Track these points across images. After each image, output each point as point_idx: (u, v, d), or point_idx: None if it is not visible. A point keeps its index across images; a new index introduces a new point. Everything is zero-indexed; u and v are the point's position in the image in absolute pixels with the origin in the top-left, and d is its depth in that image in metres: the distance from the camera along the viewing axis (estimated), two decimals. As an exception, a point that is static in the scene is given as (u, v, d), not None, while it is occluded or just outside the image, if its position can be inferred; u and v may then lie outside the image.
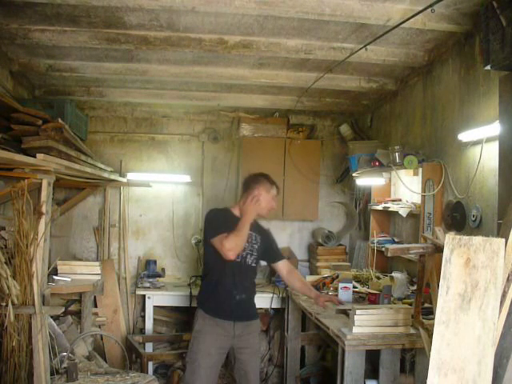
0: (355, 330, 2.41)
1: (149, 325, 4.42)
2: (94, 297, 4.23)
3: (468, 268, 1.34)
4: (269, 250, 3.09)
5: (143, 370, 3.86)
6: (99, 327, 4.21)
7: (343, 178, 4.97)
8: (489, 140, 2.55)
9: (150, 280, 4.51)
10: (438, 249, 2.01)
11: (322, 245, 4.71)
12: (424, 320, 2.31)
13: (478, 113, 2.73)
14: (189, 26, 2.89)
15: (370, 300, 3.15)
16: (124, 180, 4.61)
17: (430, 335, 1.68)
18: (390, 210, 3.69)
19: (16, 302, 2.46)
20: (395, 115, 4.09)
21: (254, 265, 2.99)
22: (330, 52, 3.19)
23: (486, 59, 2.24)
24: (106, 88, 4.28)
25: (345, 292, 3.25)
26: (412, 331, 2.44)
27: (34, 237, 2.48)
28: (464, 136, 2.76)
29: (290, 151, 4.69)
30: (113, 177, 4.32)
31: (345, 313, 2.90)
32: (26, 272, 2.46)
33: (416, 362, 2.59)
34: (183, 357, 3.40)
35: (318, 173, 4.82)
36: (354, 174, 4.18)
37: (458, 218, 2.88)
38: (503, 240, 1.36)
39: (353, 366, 2.41)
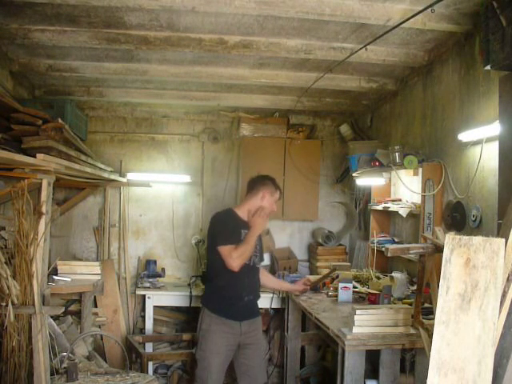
0: (355, 329, 2.41)
1: (149, 325, 4.42)
2: (94, 297, 4.22)
3: (468, 268, 1.34)
4: (260, 249, 3.17)
5: (143, 370, 3.85)
6: (99, 327, 4.20)
7: (343, 177, 4.97)
8: (489, 140, 2.55)
9: (150, 280, 4.51)
10: (438, 249, 2.01)
11: (322, 245, 4.71)
12: (424, 320, 2.31)
13: (478, 113, 2.73)
14: (189, 25, 2.89)
15: (370, 300, 3.15)
16: (124, 180, 4.61)
17: (430, 335, 1.68)
18: (389, 210, 3.69)
19: (16, 302, 2.45)
20: (395, 115, 4.09)
21: (258, 265, 3.10)
22: (329, 52, 3.19)
23: (486, 59, 2.24)
24: (106, 88, 4.28)
25: (345, 292, 3.26)
26: (412, 331, 2.44)
27: (33, 237, 2.47)
28: (464, 136, 2.76)
29: (290, 151, 4.69)
30: (113, 177, 4.32)
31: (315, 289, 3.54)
32: (26, 272, 2.46)
33: (416, 361, 2.60)
34: (193, 353, 3.46)
35: (318, 173, 4.82)
36: (354, 174, 4.17)
37: (458, 218, 2.88)
38: (503, 240, 1.36)
39: (353, 366, 2.41)
